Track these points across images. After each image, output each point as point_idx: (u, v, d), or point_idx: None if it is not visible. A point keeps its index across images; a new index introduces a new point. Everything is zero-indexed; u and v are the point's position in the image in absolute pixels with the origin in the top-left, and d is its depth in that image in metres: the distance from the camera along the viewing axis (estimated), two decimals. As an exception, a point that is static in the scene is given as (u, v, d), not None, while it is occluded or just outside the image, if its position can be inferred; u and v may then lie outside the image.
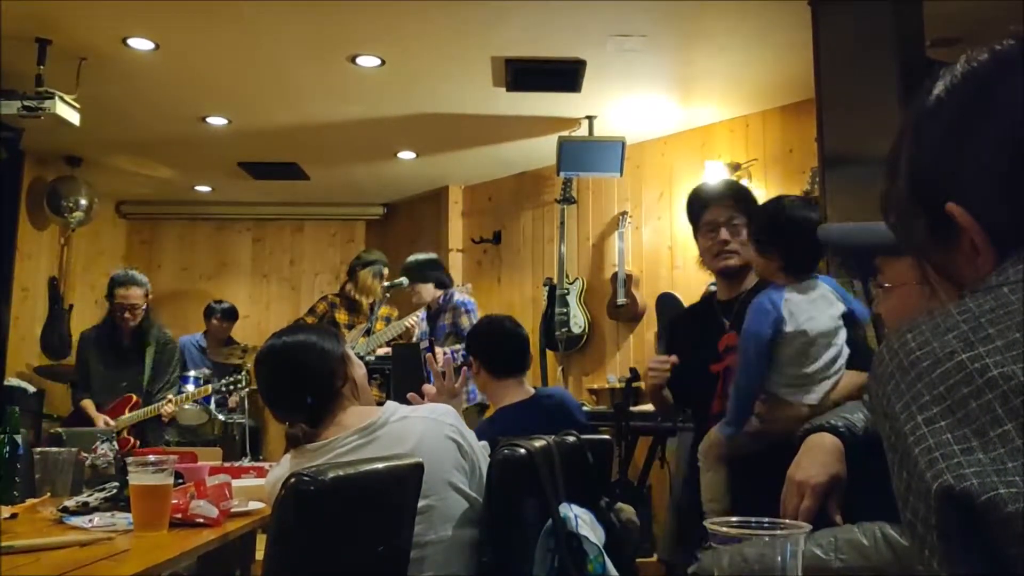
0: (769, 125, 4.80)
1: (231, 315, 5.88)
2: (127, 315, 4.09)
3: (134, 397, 4.07)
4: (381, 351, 4.56)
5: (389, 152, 5.58)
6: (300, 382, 1.75)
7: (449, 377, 2.05)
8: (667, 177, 5.25)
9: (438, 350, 3.89)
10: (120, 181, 6.16)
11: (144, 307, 4.15)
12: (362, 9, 3.59)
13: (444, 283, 4.42)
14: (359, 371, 1.83)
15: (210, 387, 4.39)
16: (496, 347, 2.56)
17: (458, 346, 4.02)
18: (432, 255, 4.64)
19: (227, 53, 4.06)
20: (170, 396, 4.17)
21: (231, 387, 4.36)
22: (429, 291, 4.36)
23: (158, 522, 1.58)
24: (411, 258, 4.45)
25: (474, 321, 4.28)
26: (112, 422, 3.99)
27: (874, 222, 0.88)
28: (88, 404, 4.05)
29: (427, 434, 1.71)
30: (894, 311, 1.13)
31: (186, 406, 4.37)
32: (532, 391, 2.55)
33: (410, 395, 2.07)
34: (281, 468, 1.68)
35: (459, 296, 4.42)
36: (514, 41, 3.91)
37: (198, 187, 6.47)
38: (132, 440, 4.01)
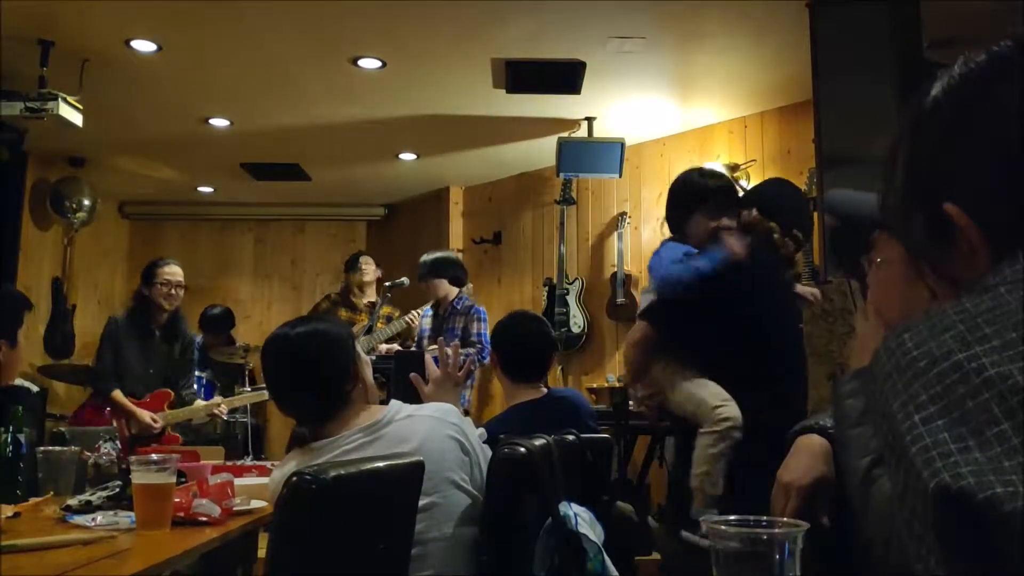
0: (767, 126, 4.81)
1: (223, 324, 5.72)
2: (173, 292, 3.92)
3: (171, 393, 3.89)
4: (382, 347, 4.56)
5: (390, 153, 5.58)
6: (309, 375, 1.72)
7: (455, 366, 2.05)
8: (666, 178, 5.25)
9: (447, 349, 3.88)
10: (123, 182, 6.17)
11: (183, 292, 4.01)
12: (363, 11, 3.60)
13: (460, 280, 4.38)
14: (368, 370, 1.81)
15: (265, 394, 4.32)
16: (520, 353, 2.55)
17: (465, 351, 4.00)
18: (447, 252, 4.62)
19: (229, 55, 4.06)
20: (218, 397, 4.12)
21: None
22: (444, 287, 4.33)
23: (160, 521, 1.58)
24: (426, 256, 4.41)
25: (483, 330, 4.28)
26: (156, 418, 3.77)
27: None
28: (120, 395, 3.77)
29: (431, 433, 1.71)
30: (879, 287, 1.14)
31: (229, 408, 4.32)
32: (544, 391, 2.55)
33: (413, 376, 2.05)
34: (286, 466, 1.68)
35: (474, 303, 4.39)
36: (514, 43, 3.91)
37: (200, 188, 6.48)
38: (179, 437, 3.87)
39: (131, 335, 3.95)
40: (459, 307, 4.35)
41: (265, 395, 4.28)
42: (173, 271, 3.96)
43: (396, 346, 4.65)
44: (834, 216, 2.09)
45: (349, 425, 1.70)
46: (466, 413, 4.17)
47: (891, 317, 1.10)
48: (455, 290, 4.35)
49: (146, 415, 3.78)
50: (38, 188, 5.58)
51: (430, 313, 4.46)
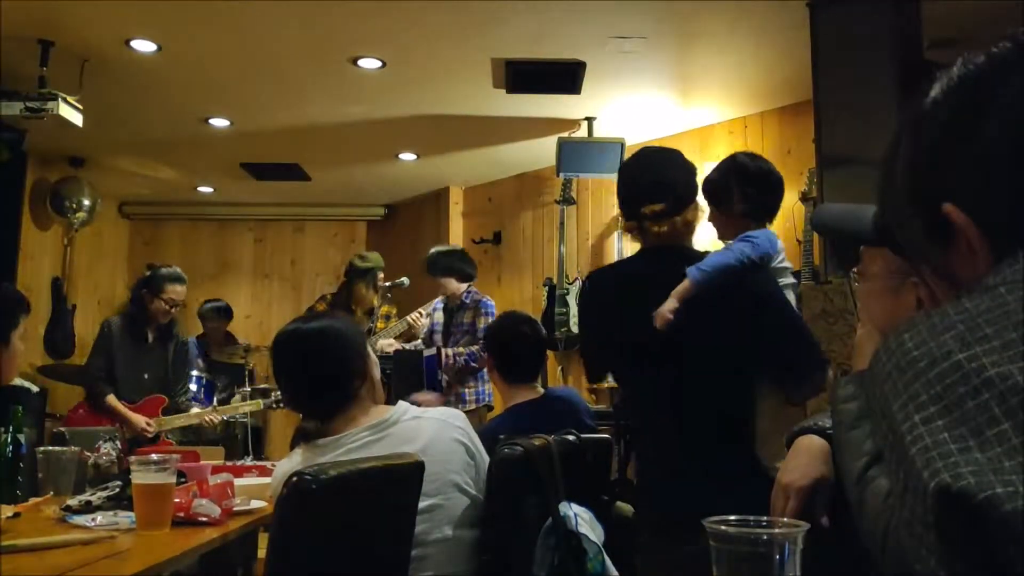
0: (767, 126, 4.81)
1: (223, 313, 5.77)
2: (173, 310, 3.97)
3: (165, 399, 3.93)
4: (384, 344, 4.54)
5: (390, 153, 5.59)
6: (319, 371, 1.73)
7: (451, 380, 2.08)
8: (667, 178, 5.25)
9: (444, 351, 3.86)
10: (123, 182, 6.17)
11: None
12: (363, 11, 3.60)
13: (468, 275, 4.31)
14: (376, 369, 1.83)
15: (261, 403, 4.29)
16: (512, 354, 2.55)
17: (466, 350, 4.00)
18: (455, 246, 4.56)
19: (229, 55, 4.06)
20: (215, 406, 4.11)
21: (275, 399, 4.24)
22: (452, 284, 4.27)
23: (160, 521, 1.58)
24: (433, 250, 4.35)
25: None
26: (151, 423, 3.82)
27: (868, 205, 0.89)
28: (115, 400, 3.81)
29: (437, 435, 1.72)
30: (866, 298, 1.15)
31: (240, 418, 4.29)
32: (542, 391, 2.57)
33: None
34: (291, 461, 1.68)
35: (483, 297, 4.36)
36: (514, 43, 3.91)
37: (200, 188, 6.48)
38: (172, 442, 3.88)
39: (126, 340, 3.95)
40: (468, 301, 4.33)
41: (260, 404, 4.27)
42: (180, 291, 3.99)
43: (396, 344, 4.64)
44: (821, 233, 2.06)
45: (356, 423, 1.71)
46: (488, 409, 4.17)
47: (879, 326, 1.10)
48: (464, 286, 4.29)
49: (141, 420, 3.81)
50: (38, 188, 5.58)
51: (441, 306, 4.41)
